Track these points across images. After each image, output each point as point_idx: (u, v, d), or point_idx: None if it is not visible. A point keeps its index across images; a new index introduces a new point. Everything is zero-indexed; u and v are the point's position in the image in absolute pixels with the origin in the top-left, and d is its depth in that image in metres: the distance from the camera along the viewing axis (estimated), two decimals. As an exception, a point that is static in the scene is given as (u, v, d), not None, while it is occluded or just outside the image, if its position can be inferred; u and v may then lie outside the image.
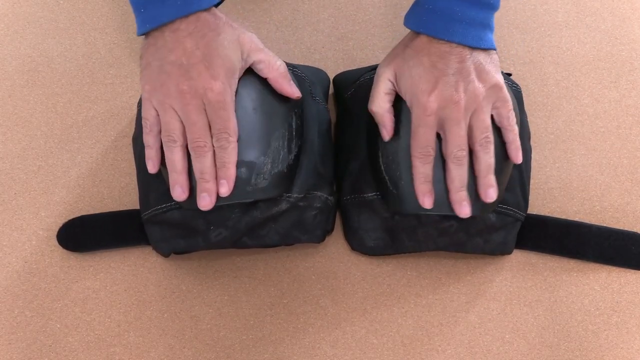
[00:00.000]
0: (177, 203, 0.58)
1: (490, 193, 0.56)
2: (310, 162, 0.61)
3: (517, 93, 0.65)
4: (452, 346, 0.62)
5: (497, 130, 0.58)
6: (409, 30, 0.58)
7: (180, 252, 0.64)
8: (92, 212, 0.66)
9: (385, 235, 0.62)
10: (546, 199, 0.68)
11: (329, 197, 0.62)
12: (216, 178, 0.55)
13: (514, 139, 0.58)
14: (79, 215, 0.65)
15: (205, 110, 0.54)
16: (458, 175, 0.55)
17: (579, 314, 0.64)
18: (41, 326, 0.62)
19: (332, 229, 0.65)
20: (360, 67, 0.71)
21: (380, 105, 0.58)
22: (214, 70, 0.53)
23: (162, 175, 0.59)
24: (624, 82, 0.74)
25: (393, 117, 0.59)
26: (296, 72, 0.64)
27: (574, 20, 0.77)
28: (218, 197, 0.55)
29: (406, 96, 0.57)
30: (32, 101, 0.71)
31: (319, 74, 0.69)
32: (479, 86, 0.55)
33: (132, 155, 0.68)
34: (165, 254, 0.62)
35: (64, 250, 0.65)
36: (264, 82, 0.58)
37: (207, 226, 0.58)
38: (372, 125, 0.61)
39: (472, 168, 0.56)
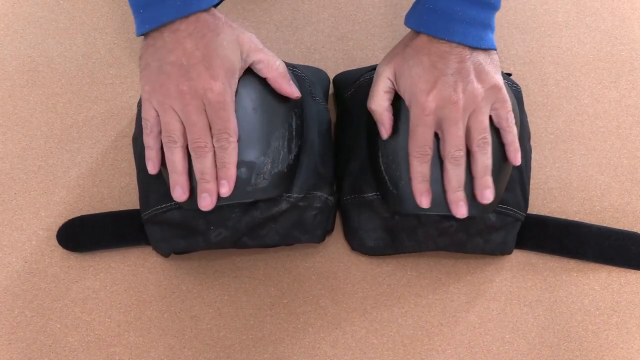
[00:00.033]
0: (177, 203, 0.58)
1: (487, 194, 0.56)
2: (310, 162, 0.61)
3: (517, 93, 0.65)
4: (452, 346, 0.62)
5: (497, 131, 0.58)
6: (409, 31, 0.58)
7: (180, 252, 0.64)
8: (92, 212, 0.66)
9: (385, 235, 0.62)
10: (546, 199, 0.68)
11: (329, 197, 0.62)
12: (216, 178, 0.55)
13: (513, 140, 0.58)
14: (79, 215, 0.65)
15: (205, 111, 0.54)
16: (455, 175, 0.55)
17: (579, 314, 0.64)
18: (41, 326, 0.62)
19: (332, 229, 0.65)
20: (360, 67, 0.71)
21: (379, 103, 0.58)
22: (213, 70, 0.53)
23: (162, 176, 0.59)
24: (624, 82, 0.74)
25: (392, 116, 0.59)
26: (296, 72, 0.64)
27: (574, 20, 0.77)
28: (218, 197, 0.55)
29: (405, 95, 0.57)
30: (32, 101, 0.71)
31: (319, 74, 0.69)
32: (477, 87, 0.55)
33: (132, 155, 0.68)
34: (165, 254, 0.62)
35: (64, 250, 0.65)
36: (263, 82, 0.58)
37: (207, 226, 0.58)
38: (372, 125, 0.61)
39: (470, 169, 0.56)
